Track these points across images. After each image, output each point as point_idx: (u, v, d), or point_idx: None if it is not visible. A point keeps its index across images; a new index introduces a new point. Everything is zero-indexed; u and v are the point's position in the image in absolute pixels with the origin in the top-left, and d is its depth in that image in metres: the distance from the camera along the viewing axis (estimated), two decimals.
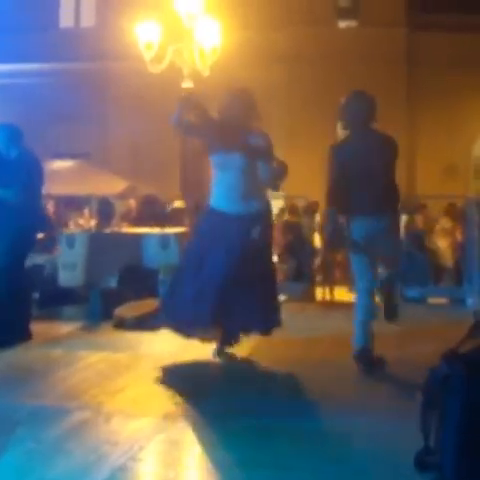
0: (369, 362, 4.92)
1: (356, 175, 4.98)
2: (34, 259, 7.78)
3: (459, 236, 10.62)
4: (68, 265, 8.62)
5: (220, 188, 5.40)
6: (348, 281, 7.82)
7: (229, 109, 5.38)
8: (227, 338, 5.44)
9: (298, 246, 9.87)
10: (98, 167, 16.15)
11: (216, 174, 5.47)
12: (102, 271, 8.28)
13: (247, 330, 5.43)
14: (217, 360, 5.35)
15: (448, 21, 16.66)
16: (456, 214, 11.30)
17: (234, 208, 5.28)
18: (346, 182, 5.02)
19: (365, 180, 4.95)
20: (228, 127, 5.32)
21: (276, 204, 9.34)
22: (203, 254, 5.32)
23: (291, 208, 11.81)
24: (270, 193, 5.72)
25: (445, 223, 11.56)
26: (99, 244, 8.69)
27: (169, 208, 11.28)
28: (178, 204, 11.33)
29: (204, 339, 5.40)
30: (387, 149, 5.10)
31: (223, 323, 5.32)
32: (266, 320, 5.39)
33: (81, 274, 8.47)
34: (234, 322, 5.33)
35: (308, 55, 16.70)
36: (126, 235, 9.32)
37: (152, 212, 11.43)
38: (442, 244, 11.16)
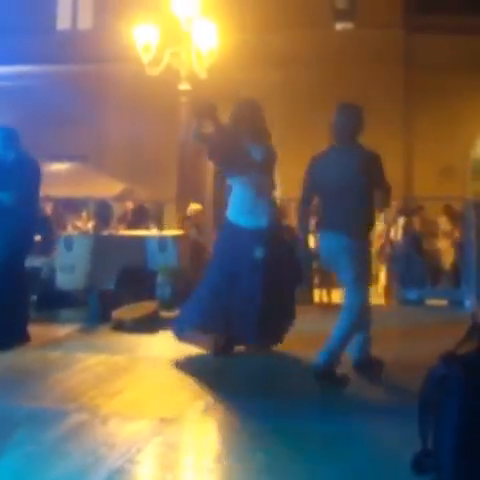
0: (367, 367, 4.92)
1: (325, 190, 4.96)
2: (31, 261, 7.77)
3: (458, 237, 10.62)
4: (66, 267, 8.61)
5: (234, 201, 5.58)
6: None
7: (239, 121, 5.52)
8: (227, 343, 5.48)
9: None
10: (95, 169, 16.12)
11: (231, 187, 5.65)
12: (103, 274, 8.26)
13: (242, 342, 5.54)
14: (215, 361, 5.36)
15: (445, 23, 16.66)
16: (454, 214, 11.30)
17: (246, 221, 5.44)
18: (316, 196, 5.06)
19: (331, 197, 4.90)
20: (236, 142, 5.46)
21: None
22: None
23: (280, 211, 11.67)
24: None
25: (444, 223, 11.56)
26: (99, 247, 8.68)
27: (189, 212, 11.01)
28: (194, 207, 11.00)
29: (197, 345, 5.49)
30: (364, 168, 4.81)
31: (222, 330, 5.43)
32: (261, 336, 5.45)
33: (81, 277, 8.45)
34: (230, 332, 5.44)
35: (305, 57, 16.69)
36: (127, 238, 9.31)
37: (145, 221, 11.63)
38: (443, 245, 11.17)
